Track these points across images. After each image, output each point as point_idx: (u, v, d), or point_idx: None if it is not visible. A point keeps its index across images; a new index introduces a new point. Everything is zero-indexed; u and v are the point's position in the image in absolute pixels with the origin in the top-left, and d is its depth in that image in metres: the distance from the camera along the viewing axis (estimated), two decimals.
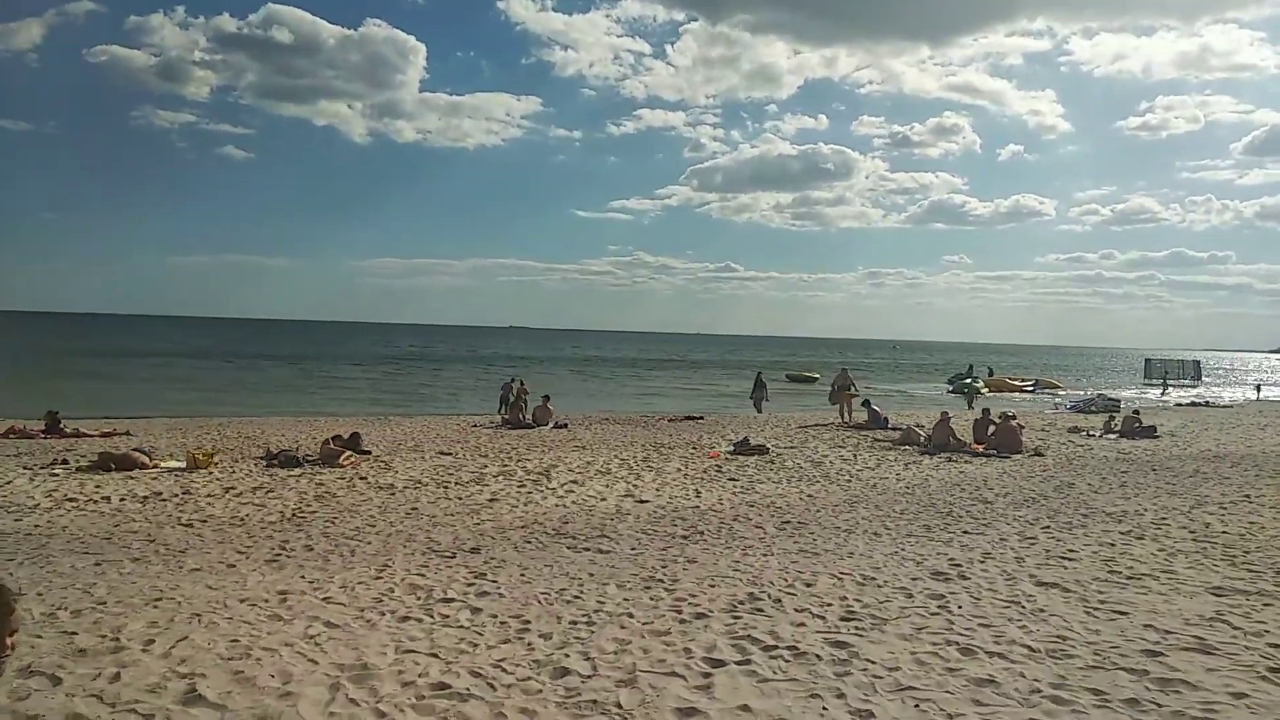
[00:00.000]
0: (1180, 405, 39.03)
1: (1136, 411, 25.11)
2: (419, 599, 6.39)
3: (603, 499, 11.89)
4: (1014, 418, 19.21)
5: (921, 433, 19.62)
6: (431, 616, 5.95)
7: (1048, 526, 9.33)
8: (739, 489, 12.98)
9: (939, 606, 6.22)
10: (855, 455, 17.47)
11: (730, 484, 13.46)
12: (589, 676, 4.79)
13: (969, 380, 46.87)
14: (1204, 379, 60.92)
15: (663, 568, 7.46)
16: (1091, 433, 23.03)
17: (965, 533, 9.12)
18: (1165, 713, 4.34)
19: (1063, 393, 43.96)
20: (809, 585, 6.84)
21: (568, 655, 5.12)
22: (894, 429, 21.77)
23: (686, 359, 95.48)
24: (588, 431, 21.66)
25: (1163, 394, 48.89)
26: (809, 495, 12.43)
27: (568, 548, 8.37)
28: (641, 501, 11.75)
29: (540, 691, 4.57)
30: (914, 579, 7.04)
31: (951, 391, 40.03)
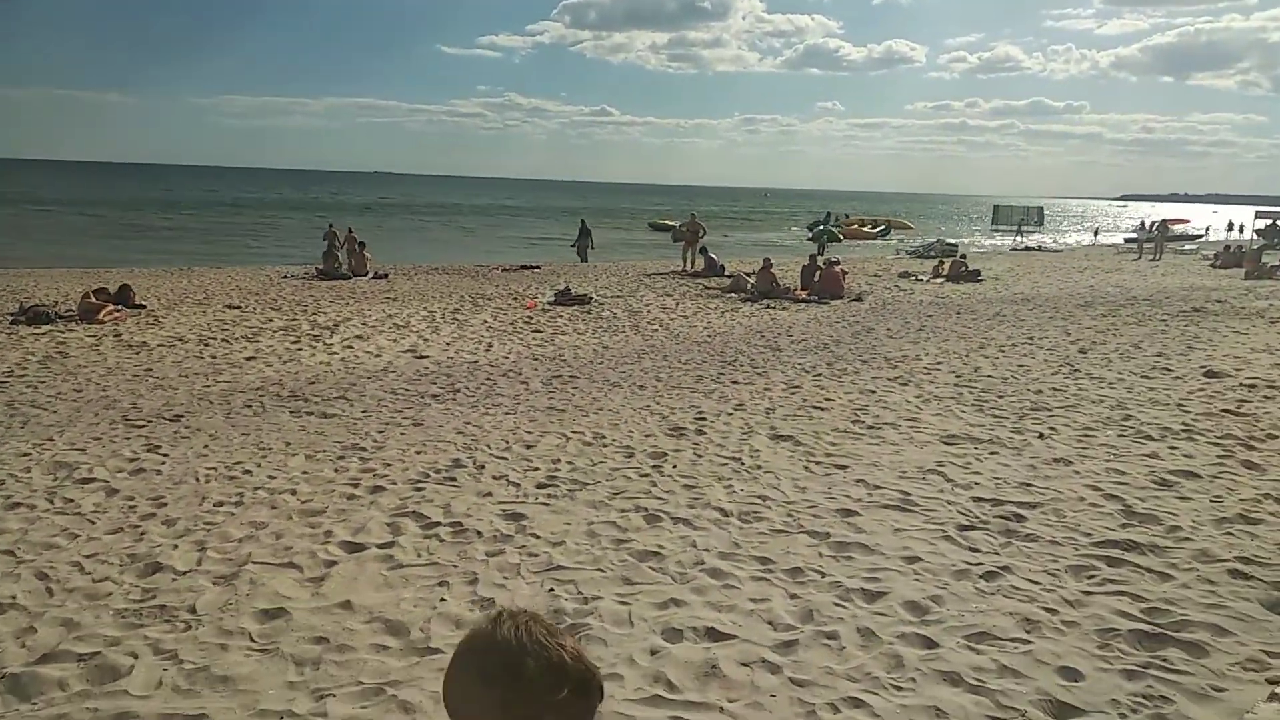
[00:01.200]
0: (1016, 250, 40.48)
1: (963, 256, 25.56)
2: (54, 479, 5.43)
3: (378, 355, 10.98)
4: (837, 263, 19.07)
5: (750, 280, 19.32)
6: (51, 501, 5.02)
7: (820, 374, 9.01)
8: (539, 341, 12.29)
9: (653, 466, 5.71)
10: (678, 304, 17.00)
11: (534, 336, 12.76)
12: (183, 573, 4.02)
13: (824, 227, 47.27)
14: (1045, 225, 63.52)
15: (379, 433, 6.70)
16: (920, 277, 23.34)
17: (734, 383, 8.69)
18: (824, 584, 3.92)
19: (903, 238, 44.84)
20: (529, 447, 6.22)
21: (176, 547, 4.33)
22: (728, 276, 21.40)
23: (547, 207, 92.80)
24: (409, 282, 20.41)
25: (1018, 237, 50.77)
26: (605, 347, 11.85)
27: (290, 412, 7.49)
28: (420, 357, 10.91)
29: (107, 595, 3.78)
30: (646, 435, 6.52)
31: (810, 239, 40.14)
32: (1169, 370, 8.75)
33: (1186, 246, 36.07)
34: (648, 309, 16.00)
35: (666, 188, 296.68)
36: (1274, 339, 10.64)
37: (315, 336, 12.22)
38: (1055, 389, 8.01)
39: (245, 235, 38.15)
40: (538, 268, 24.66)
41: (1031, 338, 11.29)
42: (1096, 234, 64.78)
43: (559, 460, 5.86)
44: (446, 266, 24.86)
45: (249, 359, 10.56)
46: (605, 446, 6.21)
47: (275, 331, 12.60)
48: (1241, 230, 53.42)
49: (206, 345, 11.39)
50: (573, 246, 28.53)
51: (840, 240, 45.72)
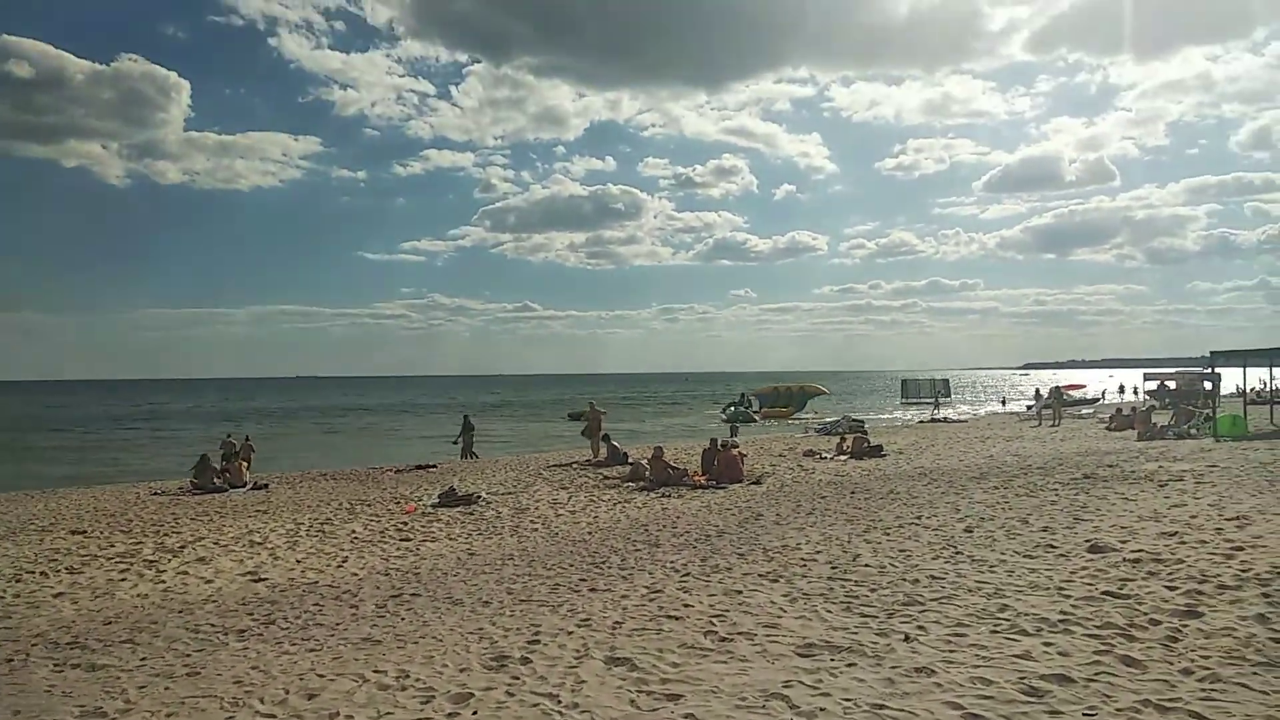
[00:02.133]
0: (924, 422, 41.11)
1: (865, 432, 25.56)
2: None
3: (210, 580, 9.84)
4: (735, 446, 18.65)
5: (647, 468, 18.70)
6: None
7: (689, 574, 8.23)
8: (401, 552, 11.32)
9: (448, 715, 4.77)
10: (571, 498, 16.19)
11: (399, 546, 11.78)
12: None
13: (736, 408, 47.60)
14: (952, 396, 65.37)
15: (139, 689, 5.61)
16: (824, 455, 23.10)
17: (592, 590, 7.84)
18: None
19: (813, 417, 45.28)
20: (310, 698, 5.22)
21: None
22: (629, 464, 20.75)
23: (462, 403, 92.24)
24: (289, 491, 19.19)
25: (935, 410, 51.80)
26: (471, 553, 10.94)
27: (53, 665, 6.34)
28: (259, 580, 9.83)
29: None
30: (461, 669, 5.57)
31: (726, 421, 40.20)
32: (1054, 547, 8.24)
33: (1084, 411, 37.11)
34: (537, 505, 15.16)
35: (593, 376, 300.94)
36: (1161, 504, 10.31)
37: (152, 562, 11.03)
38: (933, 576, 7.37)
39: (130, 451, 36.21)
40: (434, 467, 23.69)
41: (919, 517, 10.76)
42: (1004, 402, 66.97)
43: (337, 715, 4.87)
44: (337, 471, 23.70)
45: (56, 595, 9.34)
46: (404, 690, 5.25)
47: (110, 559, 11.38)
48: (1136, 392, 55.72)
49: (18, 580, 10.14)
50: (454, 442, 27.48)
51: (755, 421, 46.00)
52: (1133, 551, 7.75)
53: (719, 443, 18.87)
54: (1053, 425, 31.95)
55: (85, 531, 13.66)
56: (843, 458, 22.69)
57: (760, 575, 7.89)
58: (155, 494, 19.14)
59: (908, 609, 6.40)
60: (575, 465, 22.56)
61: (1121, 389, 54.76)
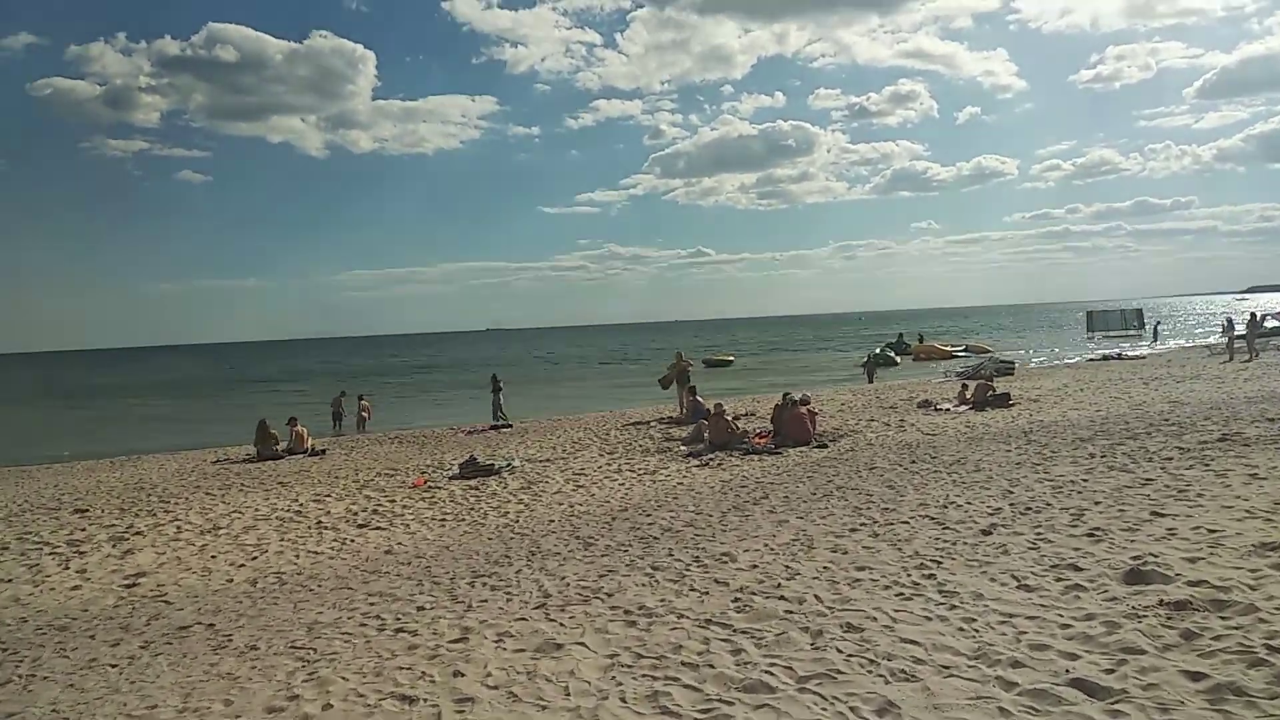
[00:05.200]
0: (1092, 360, 36.10)
1: (990, 378, 22.06)
2: None
3: (134, 583, 8.82)
4: (806, 402, 16.08)
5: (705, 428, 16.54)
6: None
7: (564, 600, 6.20)
8: (362, 539, 9.99)
9: None
10: (608, 465, 14.39)
11: (370, 533, 10.52)
12: None
13: (878, 351, 43.84)
14: (1146, 327, 57.95)
15: None
16: (940, 406, 19.99)
17: (398, 633, 5.98)
18: None
19: (957, 360, 40.70)
20: None
21: None
22: (695, 424, 18.60)
23: (637, 349, 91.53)
24: (343, 457, 18.49)
25: (1155, 341, 46.61)
26: (427, 543, 9.39)
27: None
28: (239, 566, 8.85)
29: None
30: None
31: (862, 366, 36.71)
32: (1080, 569, 5.55)
33: (1276, 342, 31.01)
34: (565, 476, 13.46)
35: (768, 320, 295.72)
36: None
37: (82, 554, 10.19)
38: (848, 626, 4.97)
39: (231, 417, 35.99)
40: (509, 426, 22.46)
41: (946, 506, 8.11)
42: (1231, 325, 58.73)
43: None
44: (415, 432, 22.95)
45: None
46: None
47: (99, 542, 10.74)
48: None
49: None
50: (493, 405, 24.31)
51: (896, 364, 42.16)
52: (1189, 583, 4.99)
53: (788, 399, 16.36)
54: (1246, 360, 26.74)
55: (86, 510, 13.20)
56: (964, 408, 19.54)
57: (641, 627, 5.73)
58: (216, 461, 18.93)
59: (750, 695, 4.12)
60: (654, 423, 20.67)
61: None
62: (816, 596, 5.55)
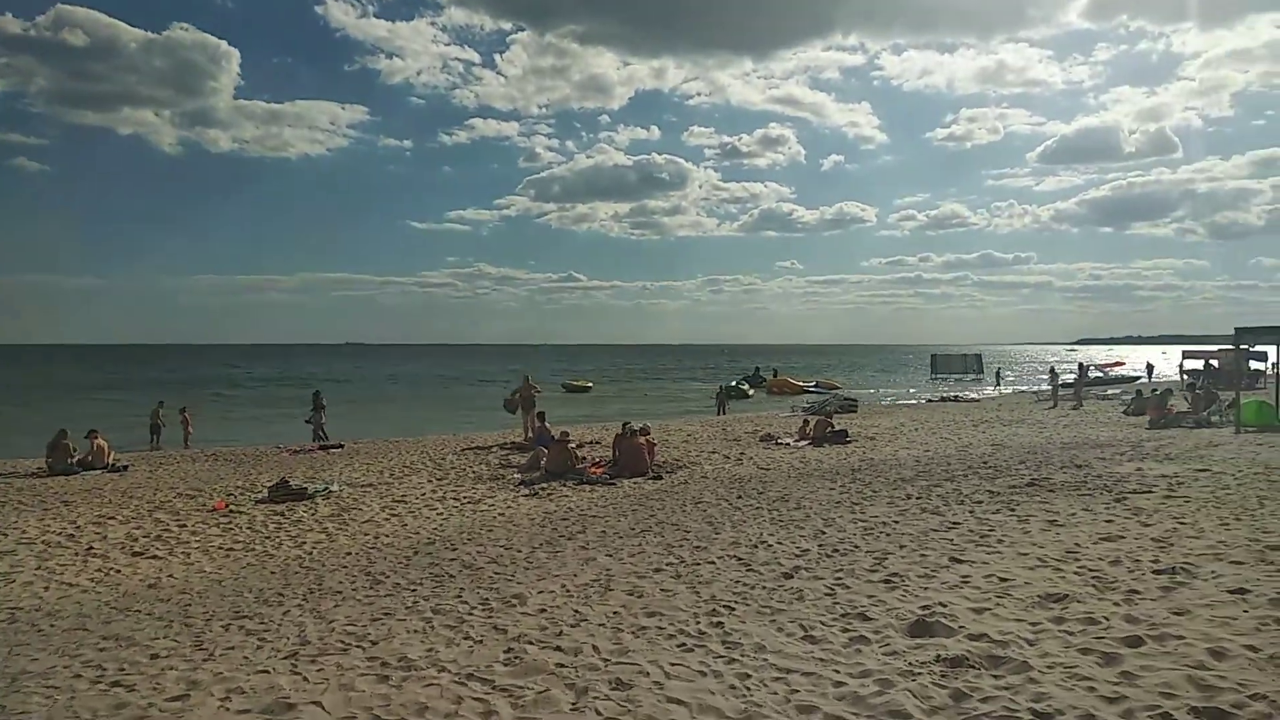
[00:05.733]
0: (931, 401, 37.71)
1: (829, 415, 22.52)
2: None
3: None
4: (645, 432, 15.81)
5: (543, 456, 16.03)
6: None
7: (430, 617, 5.51)
8: (174, 566, 8.85)
9: None
10: (446, 494, 13.59)
11: (179, 558, 9.35)
12: None
13: (738, 385, 44.55)
14: (985, 372, 61.35)
15: None
16: (782, 441, 20.18)
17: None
18: None
19: (806, 395, 41.84)
20: None
21: None
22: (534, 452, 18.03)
23: (478, 376, 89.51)
24: (146, 473, 16.91)
25: (998, 385, 49.00)
26: (236, 573, 8.40)
27: None
28: None
29: None
30: None
31: (714, 398, 37.00)
32: (869, 619, 5.33)
33: (1110, 391, 33.29)
34: (383, 504, 12.58)
35: (636, 348, 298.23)
36: (1087, 533, 7.30)
37: None
38: (624, 688, 4.54)
39: (37, 426, 33.12)
40: (340, 447, 21.25)
41: (759, 544, 7.87)
42: (1054, 376, 62.67)
43: None
44: (230, 451, 21.34)
45: None
46: None
47: None
48: (1180, 371, 51.24)
49: None
50: (306, 422, 24.26)
51: (748, 396, 42.91)
52: (971, 638, 4.82)
53: (628, 428, 16.05)
54: (1074, 407, 28.40)
55: None
56: (804, 443, 19.79)
57: (387, 664, 5.12)
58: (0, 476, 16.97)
59: None
60: (495, 448, 19.98)
61: (1150, 369, 50.10)
62: (595, 647, 5.10)
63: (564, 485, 13.92)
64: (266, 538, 10.32)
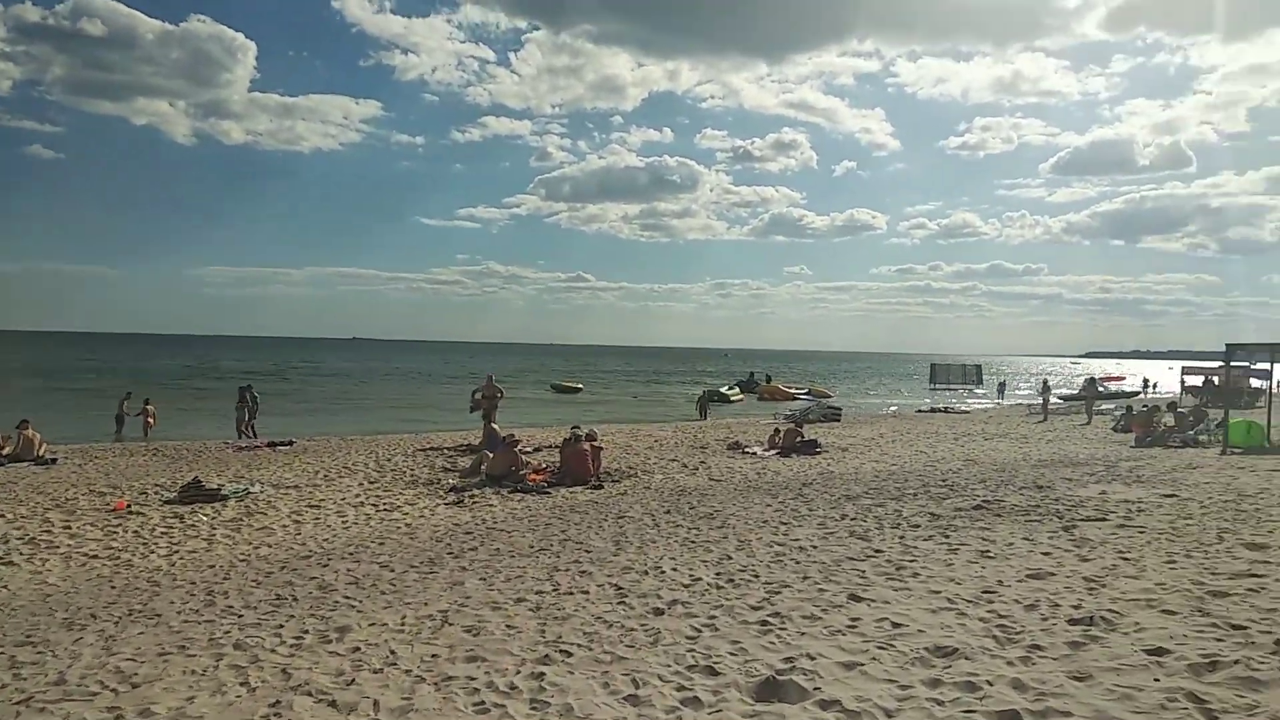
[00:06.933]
0: (921, 411, 36.75)
1: (800, 425, 21.64)
2: None
3: None
4: (592, 438, 14.94)
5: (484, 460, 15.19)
6: None
7: (221, 655, 4.66)
8: (18, 576, 8.03)
9: None
10: (368, 498, 12.76)
11: (31, 566, 8.52)
12: None
13: (721, 390, 43.65)
14: (984, 382, 60.29)
15: None
16: (750, 450, 19.31)
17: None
18: None
19: (796, 403, 40.92)
20: None
21: None
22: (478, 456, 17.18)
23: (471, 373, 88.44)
24: (75, 467, 16.12)
25: (1001, 397, 47.90)
26: (76, 586, 7.57)
27: None
28: None
29: None
30: None
31: (695, 402, 36.15)
32: (716, 674, 4.46)
33: (1104, 406, 32.28)
34: (294, 508, 11.77)
35: (640, 350, 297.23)
36: (1016, 568, 6.41)
37: None
38: None
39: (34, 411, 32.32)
40: (289, 444, 20.45)
41: (652, 569, 7.01)
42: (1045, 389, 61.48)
43: None
44: (176, 446, 20.53)
45: None
46: None
47: None
48: (1155, 387, 50.15)
49: None
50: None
51: (730, 401, 42.01)
52: (821, 705, 3.95)
53: (574, 433, 15.19)
54: (1084, 423, 27.35)
55: None
56: (771, 453, 18.93)
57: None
58: None
59: None
60: (447, 449, 19.16)
61: (1146, 384, 48.95)
62: (377, 703, 4.24)
63: (498, 492, 13.07)
64: (144, 544, 9.49)
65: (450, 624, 5.62)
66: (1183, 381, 43.63)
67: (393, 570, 7.59)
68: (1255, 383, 34.05)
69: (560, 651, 4.91)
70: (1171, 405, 22.25)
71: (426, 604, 6.22)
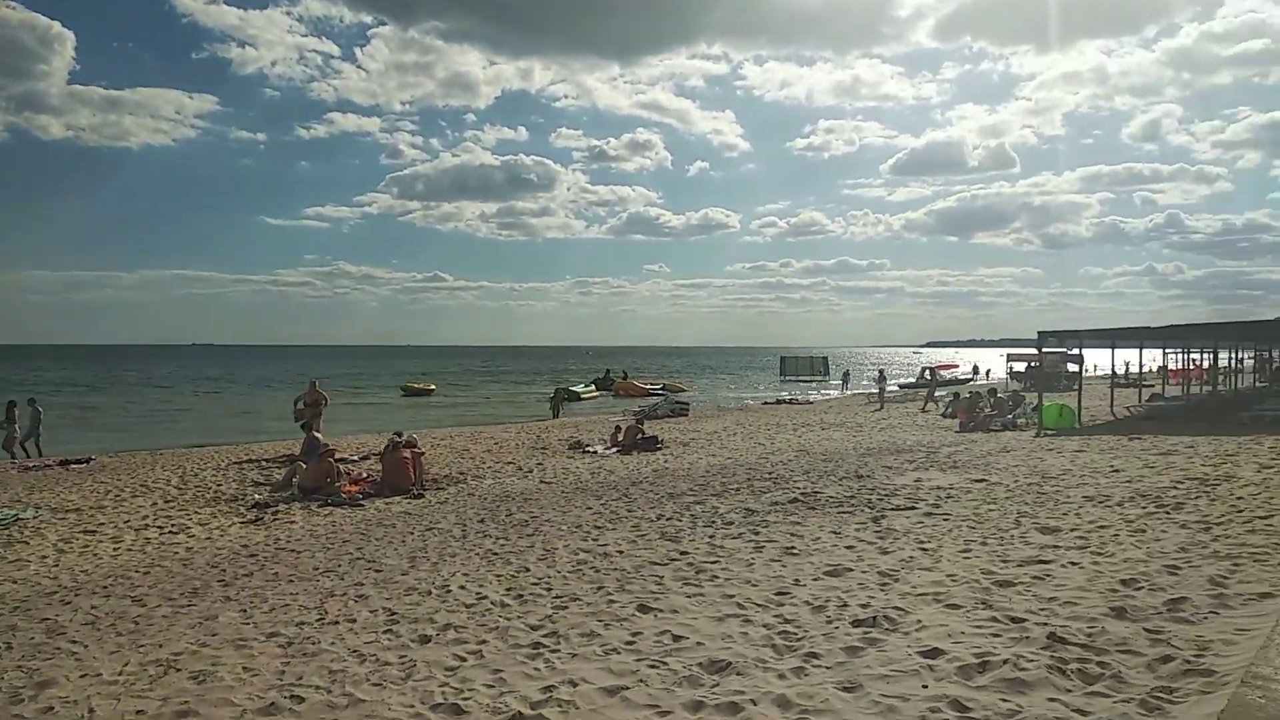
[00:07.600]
0: (767, 404, 37.46)
1: (641, 421, 21.46)
2: None
3: None
4: (411, 445, 14.12)
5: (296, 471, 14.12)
6: None
7: None
8: None
9: None
10: (155, 520, 11.50)
11: None
12: None
13: (572, 388, 43.26)
14: (830, 374, 62.30)
15: None
16: (591, 448, 18.90)
17: None
18: None
19: (640, 400, 41.05)
20: None
21: None
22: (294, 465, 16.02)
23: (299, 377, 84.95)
24: None
25: (845, 386, 48.63)
26: None
27: None
28: None
29: None
30: None
31: (548, 400, 35.45)
32: (462, 713, 3.92)
33: (939, 393, 33.69)
34: (63, 536, 10.43)
35: (501, 349, 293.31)
36: (815, 564, 6.19)
37: None
38: None
39: None
40: (86, 462, 18.58)
41: (438, 589, 6.41)
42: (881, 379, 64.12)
43: None
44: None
45: None
46: None
47: None
48: (989, 374, 53.27)
49: None
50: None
51: (580, 399, 41.71)
52: None
53: (394, 441, 14.33)
54: (924, 409, 28.14)
55: None
56: (613, 450, 18.58)
57: None
58: None
59: None
60: (265, 461, 17.84)
61: (977, 370, 52.01)
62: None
63: (306, 507, 12.10)
64: None
65: (177, 669, 4.85)
66: (1009, 367, 46.38)
67: (144, 605, 6.68)
68: (1072, 367, 36.38)
69: (291, 698, 4.26)
70: (992, 391, 23.30)
71: (162, 645, 5.41)
